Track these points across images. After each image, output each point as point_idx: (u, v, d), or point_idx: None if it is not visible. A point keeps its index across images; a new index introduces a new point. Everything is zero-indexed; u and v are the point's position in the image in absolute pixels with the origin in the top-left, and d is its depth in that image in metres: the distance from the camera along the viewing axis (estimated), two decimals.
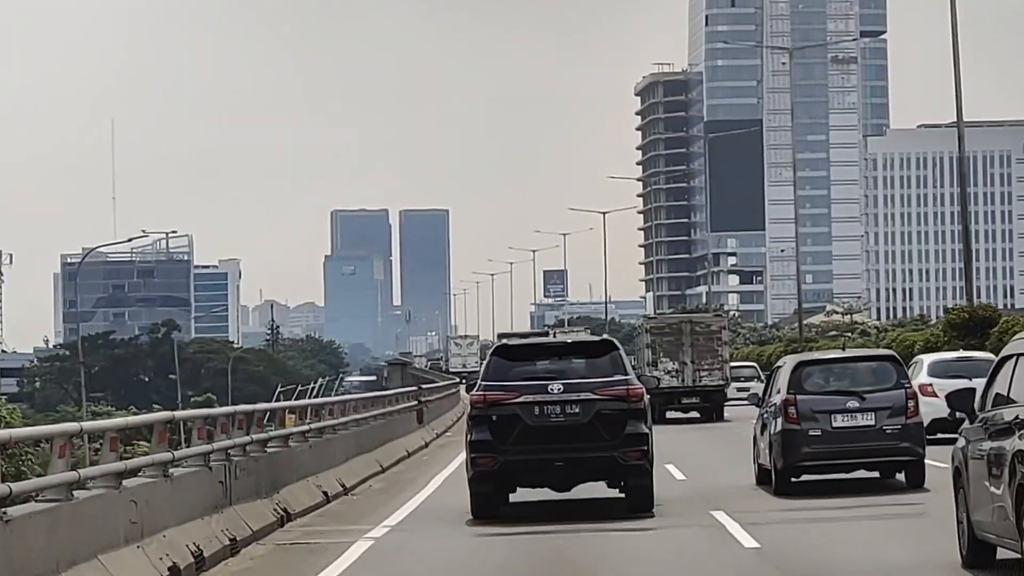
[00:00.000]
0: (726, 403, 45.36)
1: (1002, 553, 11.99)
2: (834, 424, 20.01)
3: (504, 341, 20.26)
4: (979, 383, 11.40)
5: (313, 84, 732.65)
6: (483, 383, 18.24)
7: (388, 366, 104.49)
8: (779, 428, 20.16)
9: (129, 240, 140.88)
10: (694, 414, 45.23)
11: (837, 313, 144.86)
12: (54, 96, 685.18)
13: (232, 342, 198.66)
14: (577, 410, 17.71)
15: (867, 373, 20.64)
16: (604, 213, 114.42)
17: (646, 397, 18.24)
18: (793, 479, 20.33)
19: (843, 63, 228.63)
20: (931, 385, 20.93)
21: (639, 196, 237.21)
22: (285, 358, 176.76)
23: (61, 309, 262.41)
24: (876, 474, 20.98)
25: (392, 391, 35.85)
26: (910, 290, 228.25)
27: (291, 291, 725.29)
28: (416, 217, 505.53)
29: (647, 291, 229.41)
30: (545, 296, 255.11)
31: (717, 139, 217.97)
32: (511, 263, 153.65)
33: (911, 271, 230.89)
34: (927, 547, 14.34)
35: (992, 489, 11.23)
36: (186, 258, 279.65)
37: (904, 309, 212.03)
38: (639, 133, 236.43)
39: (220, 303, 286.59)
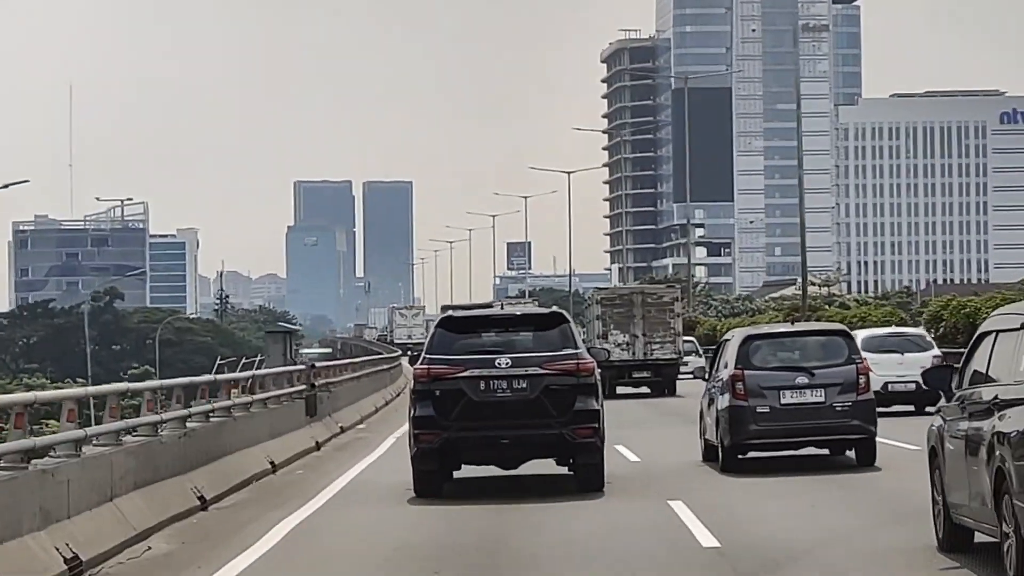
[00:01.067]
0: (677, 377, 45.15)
1: (979, 536, 11.74)
2: (783, 400, 19.95)
3: (449, 312, 19.86)
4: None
5: (277, 55, 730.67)
6: (427, 356, 17.96)
7: (339, 339, 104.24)
8: (726, 404, 20.10)
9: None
10: (645, 389, 44.95)
11: (813, 285, 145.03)
12: (10, 60, 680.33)
13: (192, 314, 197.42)
14: (524, 385, 17.47)
15: (817, 348, 20.55)
16: (568, 173, 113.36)
17: (597, 372, 18.03)
18: (740, 456, 20.24)
19: (815, 31, 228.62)
20: (864, 360, 20.85)
21: (604, 166, 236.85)
22: (236, 329, 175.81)
23: (12, 278, 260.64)
24: (825, 451, 20.88)
25: (264, 371, 25.81)
26: (882, 263, 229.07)
27: (253, 262, 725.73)
28: (380, 189, 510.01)
29: (612, 263, 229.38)
30: (508, 268, 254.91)
31: (684, 108, 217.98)
32: (470, 230, 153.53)
33: (882, 244, 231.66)
34: (897, 529, 14.07)
35: (970, 471, 10.99)
36: (141, 226, 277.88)
37: (876, 283, 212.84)
38: (605, 101, 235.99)
39: (177, 273, 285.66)
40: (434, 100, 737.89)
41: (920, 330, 36.25)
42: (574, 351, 17.83)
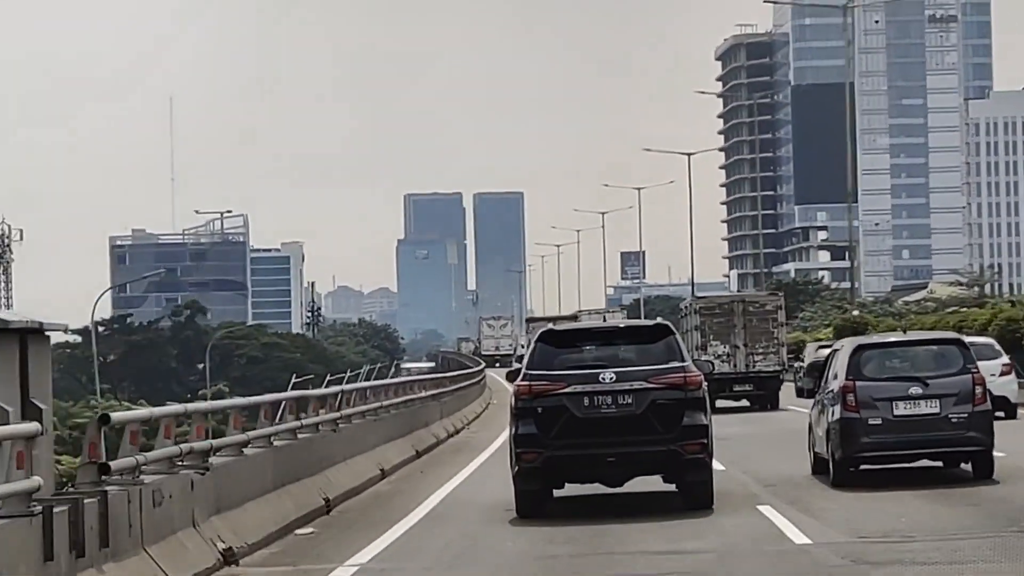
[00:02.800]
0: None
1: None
2: (896, 412, 20.15)
3: (550, 326, 20.01)
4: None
5: (382, 66, 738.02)
6: (527, 372, 18.03)
7: (442, 353, 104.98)
8: (837, 416, 20.34)
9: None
10: (744, 402, 44.62)
11: (960, 285, 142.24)
12: (111, 73, 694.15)
13: (301, 332, 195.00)
14: (630, 400, 17.52)
15: (930, 358, 20.76)
16: (688, 154, 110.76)
17: (704, 385, 18.07)
18: (852, 469, 20.51)
19: (942, 21, 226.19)
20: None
21: (721, 168, 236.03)
22: (335, 343, 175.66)
23: (111, 294, 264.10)
24: (939, 464, 21.07)
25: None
26: (1018, 265, 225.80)
27: (365, 277, 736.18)
28: (490, 200, 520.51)
29: (731, 269, 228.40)
30: (622, 278, 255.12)
31: (805, 105, 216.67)
32: (578, 231, 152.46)
33: (1018, 245, 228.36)
34: None
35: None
36: (242, 239, 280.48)
37: (1011, 286, 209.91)
38: (720, 100, 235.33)
39: (282, 288, 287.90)
40: (543, 106, 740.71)
41: (989, 339, 36.86)
42: (681, 364, 17.89)
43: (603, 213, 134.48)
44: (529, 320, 79.16)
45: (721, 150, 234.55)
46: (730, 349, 43.72)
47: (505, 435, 22.45)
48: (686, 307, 47.74)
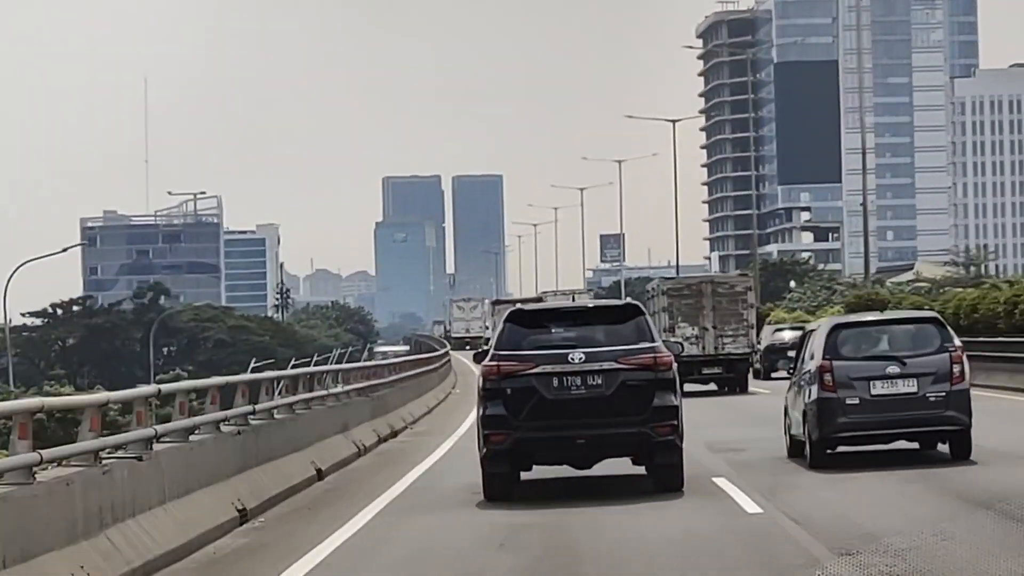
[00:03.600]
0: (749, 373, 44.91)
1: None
2: (873, 392, 20.27)
3: (519, 306, 20.10)
4: None
5: (359, 49, 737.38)
6: (496, 352, 18.08)
7: (417, 336, 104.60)
8: (814, 396, 20.45)
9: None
10: (712, 386, 44.65)
11: (954, 265, 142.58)
12: (84, 52, 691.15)
13: (269, 316, 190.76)
14: (600, 381, 17.64)
15: (908, 336, 20.85)
16: (673, 121, 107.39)
17: (674, 366, 18.20)
18: (829, 451, 20.63)
19: None
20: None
21: (702, 148, 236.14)
22: (307, 327, 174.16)
23: (82, 277, 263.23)
24: (915, 445, 21.21)
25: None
26: (1003, 246, 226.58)
27: (344, 260, 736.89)
28: (469, 183, 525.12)
29: (712, 251, 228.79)
30: (602, 261, 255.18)
31: (789, 83, 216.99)
32: (556, 208, 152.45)
33: (1003, 226, 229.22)
34: None
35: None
36: (215, 221, 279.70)
37: (996, 268, 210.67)
38: (701, 79, 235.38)
39: (257, 271, 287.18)
40: (522, 89, 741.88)
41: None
42: (651, 344, 18.00)
43: (582, 189, 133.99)
44: (495, 303, 78.29)
45: (702, 130, 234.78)
46: (699, 331, 43.59)
47: (450, 444, 22.35)
48: (653, 288, 47.39)
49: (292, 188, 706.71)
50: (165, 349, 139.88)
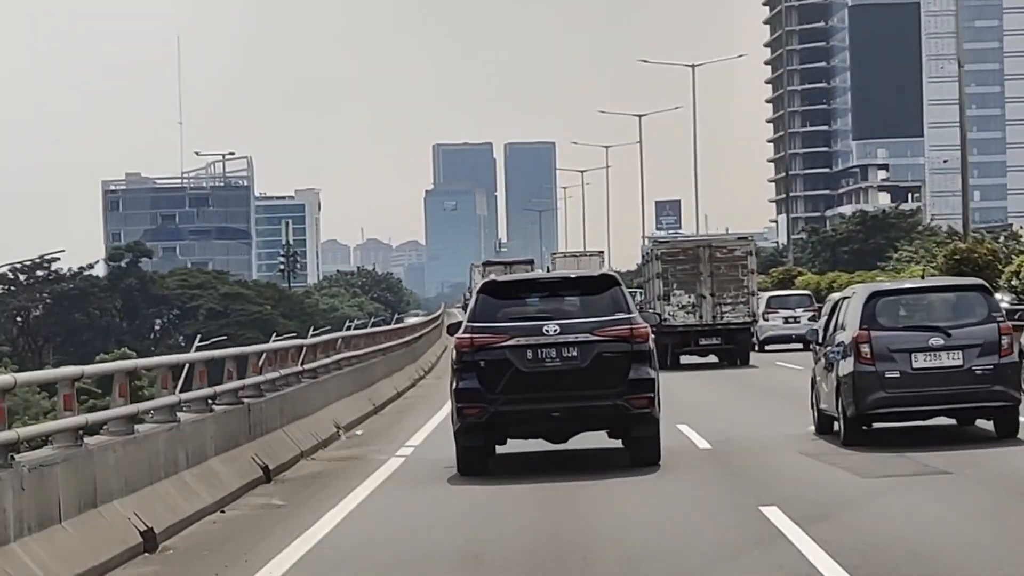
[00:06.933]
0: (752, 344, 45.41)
1: None
2: (915, 364, 20.37)
3: (492, 277, 21.04)
4: None
5: (412, 13, 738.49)
6: (469, 324, 19.01)
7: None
8: (849, 369, 20.58)
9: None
10: (712, 358, 44.83)
11: None
12: (115, 11, 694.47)
13: (301, 287, 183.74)
14: (575, 353, 18.46)
15: (952, 305, 20.99)
16: (693, 67, 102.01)
17: (651, 337, 19.08)
18: (864, 428, 20.72)
19: None
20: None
21: (768, 102, 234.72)
22: (328, 295, 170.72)
23: (104, 243, 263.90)
24: (952, 421, 21.26)
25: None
26: None
27: (395, 229, 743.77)
28: (521, 150, 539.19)
29: (779, 213, 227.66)
30: (657, 228, 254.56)
31: (864, 29, 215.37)
32: (608, 167, 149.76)
33: None
34: None
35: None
36: (244, 183, 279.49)
37: None
38: (767, 27, 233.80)
39: (295, 238, 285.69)
40: (576, 51, 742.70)
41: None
42: (627, 315, 18.83)
43: (639, 141, 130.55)
44: (485, 264, 77.49)
45: (768, 82, 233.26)
46: (695, 299, 43.63)
47: (402, 454, 22.68)
48: (647, 253, 47.14)
49: (339, 155, 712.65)
50: (157, 321, 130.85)
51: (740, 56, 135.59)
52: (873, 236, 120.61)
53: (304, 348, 25.54)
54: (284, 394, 22.56)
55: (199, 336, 21.42)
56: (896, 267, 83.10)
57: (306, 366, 25.29)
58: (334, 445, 24.84)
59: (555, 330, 18.54)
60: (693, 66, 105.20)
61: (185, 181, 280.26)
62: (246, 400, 19.98)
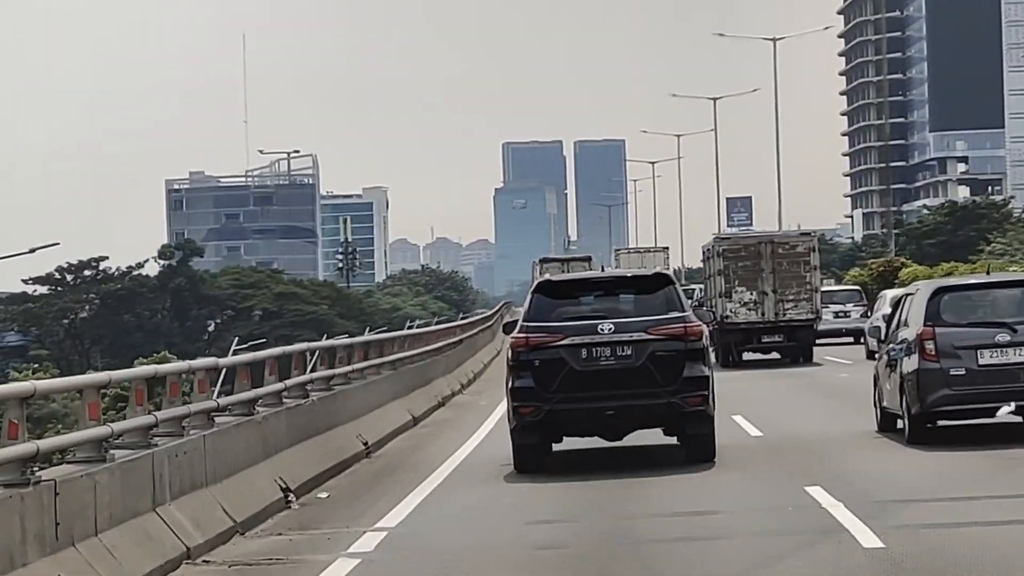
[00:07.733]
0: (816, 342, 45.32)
1: None
2: (981, 361, 20.39)
3: (547, 276, 21.48)
4: None
5: (480, 11, 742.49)
6: (524, 324, 19.53)
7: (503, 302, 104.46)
8: (914, 366, 20.62)
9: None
10: (774, 355, 45.08)
11: None
12: (181, 10, 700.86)
13: (369, 288, 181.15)
14: (629, 352, 19.01)
15: (1019, 301, 20.95)
16: (828, 29, 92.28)
17: (706, 335, 19.55)
18: (929, 426, 20.75)
19: None
20: None
21: (842, 94, 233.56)
22: (390, 294, 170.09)
23: (168, 242, 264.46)
24: (1019, 419, 21.23)
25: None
26: None
27: (465, 228, 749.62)
28: (591, 148, 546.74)
29: (854, 208, 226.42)
30: (729, 225, 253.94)
31: (942, 17, 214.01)
32: (680, 157, 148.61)
33: None
34: None
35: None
36: (310, 182, 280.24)
37: None
38: (841, 17, 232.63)
39: (364, 237, 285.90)
40: (646, 41, 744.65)
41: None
42: (681, 314, 19.32)
43: (713, 129, 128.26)
44: (542, 260, 77.66)
45: (842, 74, 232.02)
46: (757, 296, 43.71)
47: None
48: (708, 250, 47.29)
49: (408, 154, 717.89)
50: (210, 323, 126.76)
51: (826, 28, 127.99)
52: (962, 228, 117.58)
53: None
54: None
55: (236, 339, 21.37)
56: (989, 259, 78.16)
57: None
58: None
59: (609, 329, 19.05)
60: (775, 39, 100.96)
61: (249, 179, 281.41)
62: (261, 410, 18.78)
